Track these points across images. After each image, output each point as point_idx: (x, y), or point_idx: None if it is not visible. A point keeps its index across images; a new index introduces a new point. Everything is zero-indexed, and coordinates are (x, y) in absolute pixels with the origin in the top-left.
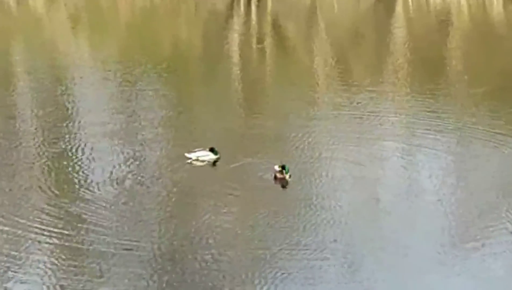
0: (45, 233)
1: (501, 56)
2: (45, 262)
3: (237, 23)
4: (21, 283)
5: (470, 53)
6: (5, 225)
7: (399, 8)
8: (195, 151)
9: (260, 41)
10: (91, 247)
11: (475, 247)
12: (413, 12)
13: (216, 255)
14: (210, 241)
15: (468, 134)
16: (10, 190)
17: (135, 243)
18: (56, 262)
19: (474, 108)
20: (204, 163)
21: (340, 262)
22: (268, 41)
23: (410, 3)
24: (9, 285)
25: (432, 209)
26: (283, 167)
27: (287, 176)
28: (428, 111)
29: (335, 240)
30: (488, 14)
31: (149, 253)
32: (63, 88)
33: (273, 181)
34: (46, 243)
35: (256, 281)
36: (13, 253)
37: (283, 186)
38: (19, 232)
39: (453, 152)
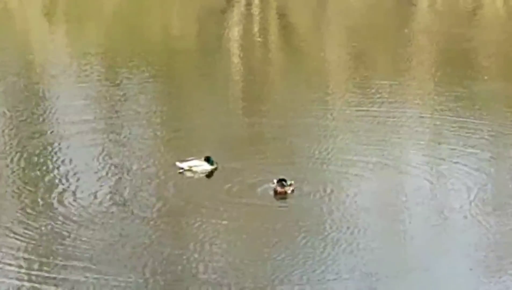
0: (22, 246)
1: None
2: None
3: (237, 15)
4: None
5: (498, 57)
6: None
7: (417, 4)
8: (187, 160)
9: (262, 35)
10: (75, 258)
11: (507, 272)
12: (433, 10)
13: (219, 270)
14: (208, 253)
15: (501, 143)
16: None
17: (119, 255)
18: (38, 273)
19: (507, 113)
20: (197, 174)
21: (352, 284)
22: (271, 35)
23: (421, 9)
24: None
25: (459, 228)
26: (283, 181)
27: (288, 190)
28: (455, 116)
29: (350, 269)
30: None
31: (134, 265)
32: (41, 89)
33: (272, 195)
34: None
35: None
36: None
37: (285, 199)
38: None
39: (483, 164)
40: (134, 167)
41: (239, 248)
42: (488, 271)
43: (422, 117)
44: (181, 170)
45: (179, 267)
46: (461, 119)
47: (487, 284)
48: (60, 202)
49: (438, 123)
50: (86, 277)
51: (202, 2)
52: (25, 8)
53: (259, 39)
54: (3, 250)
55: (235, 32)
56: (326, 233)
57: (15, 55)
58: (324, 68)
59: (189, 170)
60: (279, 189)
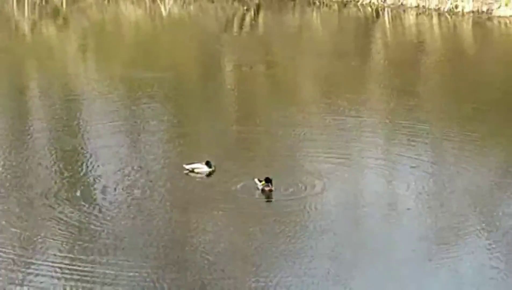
0: (49, 238)
1: (470, 75)
2: (49, 265)
3: (231, 44)
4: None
5: (443, 70)
6: (15, 228)
7: (377, 31)
8: (191, 163)
9: (251, 61)
10: (94, 250)
11: (446, 249)
12: (390, 36)
13: (207, 255)
14: (199, 243)
15: (444, 148)
16: (21, 198)
17: (136, 242)
18: (59, 265)
19: (449, 121)
20: (199, 174)
21: (325, 265)
22: (259, 62)
23: (388, 27)
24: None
25: (406, 218)
26: (267, 180)
27: (267, 188)
28: (406, 125)
29: (321, 246)
30: (458, 33)
31: (147, 252)
32: (73, 106)
33: (260, 193)
34: (50, 247)
35: (246, 282)
36: (20, 257)
37: (269, 197)
38: (28, 235)
39: (430, 163)
40: (149, 168)
41: (232, 234)
42: (428, 253)
43: (379, 125)
44: (186, 171)
45: (185, 251)
46: (411, 127)
47: (427, 264)
48: (86, 197)
49: (392, 130)
50: (106, 262)
51: (202, 34)
52: (64, 42)
53: (247, 62)
54: (37, 239)
55: (228, 56)
56: (301, 221)
57: (55, 79)
58: (299, 87)
59: (193, 171)
60: (266, 187)
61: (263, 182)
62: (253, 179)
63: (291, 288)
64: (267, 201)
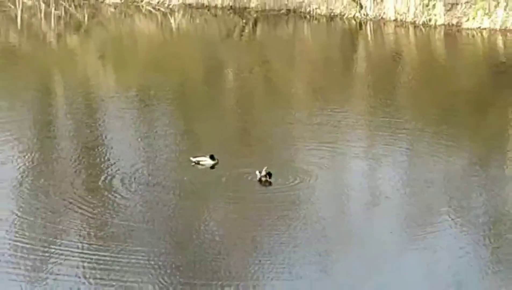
0: (73, 222)
1: (442, 80)
2: (69, 249)
3: (232, 52)
4: (54, 266)
5: (418, 75)
6: (43, 211)
7: (360, 41)
8: (197, 157)
9: (250, 66)
10: (110, 234)
11: (421, 232)
12: (372, 45)
13: (212, 238)
14: (205, 227)
15: (420, 142)
16: (48, 187)
17: (148, 226)
18: (78, 248)
19: (424, 120)
20: (204, 166)
21: (312, 247)
22: (257, 67)
23: (369, 38)
24: (43, 273)
25: (388, 202)
26: (268, 173)
27: (264, 178)
28: (387, 123)
29: (310, 229)
30: (431, 43)
31: (158, 235)
32: (93, 105)
33: (258, 183)
34: (71, 233)
35: (246, 264)
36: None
37: (266, 186)
38: (53, 219)
39: (407, 156)
40: (160, 161)
41: (232, 219)
42: (405, 236)
43: (362, 122)
44: (193, 163)
45: (190, 234)
46: (390, 124)
47: (404, 245)
48: (105, 186)
49: (373, 127)
50: (121, 244)
51: (206, 43)
52: (85, 51)
53: (246, 67)
54: (65, 222)
55: (230, 62)
56: (294, 207)
57: (77, 83)
58: (292, 89)
59: (198, 163)
60: (263, 178)
61: (263, 173)
62: (255, 171)
63: (283, 266)
64: (265, 190)
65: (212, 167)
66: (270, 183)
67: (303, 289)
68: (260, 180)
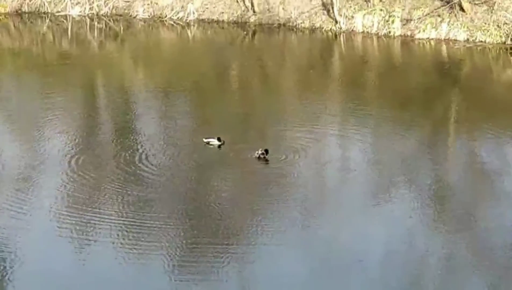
0: (109, 191)
1: (399, 79)
2: (102, 215)
3: (235, 56)
4: (92, 234)
5: (381, 75)
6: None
7: (335, 49)
8: (208, 138)
9: (250, 67)
10: (136, 203)
11: (384, 200)
12: (344, 52)
13: (216, 204)
14: (211, 195)
15: (383, 126)
16: (90, 163)
17: (168, 193)
18: (110, 215)
19: (386, 110)
20: (213, 146)
21: (297, 208)
22: (255, 68)
23: (342, 46)
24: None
25: (356, 174)
26: (265, 151)
27: (261, 156)
28: (356, 112)
29: (297, 196)
30: (390, 50)
31: (175, 200)
32: (127, 99)
33: (256, 160)
34: (109, 198)
35: (243, 225)
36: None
37: (265, 161)
38: (96, 189)
39: (373, 138)
40: (179, 141)
41: (235, 188)
42: (370, 203)
43: (337, 112)
44: (204, 143)
45: (201, 201)
46: (359, 113)
47: (369, 210)
48: (134, 161)
49: (346, 115)
50: (146, 211)
51: (216, 49)
52: (121, 56)
53: (247, 68)
54: (103, 192)
55: (234, 64)
56: (285, 179)
57: (115, 81)
58: (283, 85)
59: (208, 143)
60: (261, 156)
61: (260, 151)
62: (254, 151)
63: (274, 222)
64: (263, 165)
65: (219, 147)
66: (266, 160)
67: (289, 238)
68: (258, 157)
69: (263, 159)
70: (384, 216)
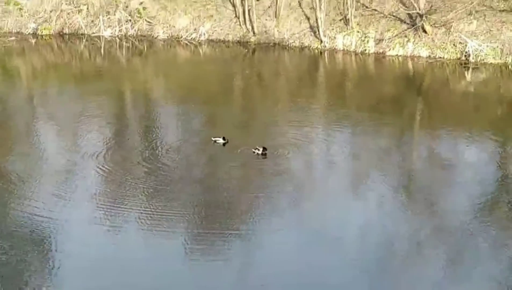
0: (133, 178)
1: (373, 88)
2: (126, 204)
3: (238, 68)
4: (120, 209)
5: (358, 86)
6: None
7: (320, 64)
8: (215, 137)
9: (251, 77)
10: (160, 189)
11: (361, 186)
12: (328, 67)
13: (222, 193)
14: (218, 185)
15: (360, 125)
16: (120, 156)
17: (181, 183)
18: (132, 203)
19: (363, 112)
20: (219, 144)
21: (291, 194)
22: (255, 77)
23: (326, 62)
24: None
25: (339, 166)
26: (264, 148)
27: (263, 151)
28: (338, 114)
29: (288, 183)
30: (366, 65)
31: (187, 190)
32: (149, 104)
33: (256, 155)
34: (133, 184)
35: (246, 210)
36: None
37: (263, 157)
38: (122, 176)
39: (351, 135)
40: (191, 140)
41: (238, 179)
42: (350, 188)
43: (323, 114)
44: (212, 141)
45: (209, 190)
46: (340, 115)
47: (349, 195)
48: (152, 156)
49: (330, 117)
50: (161, 200)
51: (222, 63)
52: (144, 69)
53: (248, 77)
54: (129, 179)
55: (237, 74)
56: (281, 171)
57: (139, 90)
58: (277, 92)
59: (216, 142)
60: (260, 152)
61: (260, 149)
62: (254, 148)
63: (272, 206)
64: (262, 160)
65: (224, 144)
66: (265, 155)
67: (284, 218)
68: (258, 154)
69: (263, 155)
70: (361, 199)
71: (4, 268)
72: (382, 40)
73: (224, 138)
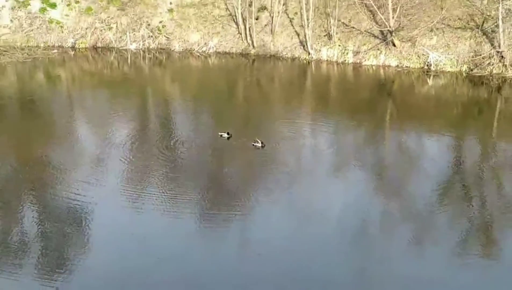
0: (153, 167)
1: (351, 92)
2: (146, 189)
3: (241, 75)
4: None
5: (339, 91)
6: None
7: (308, 72)
8: (221, 132)
9: (251, 82)
10: (175, 175)
11: (339, 171)
12: (314, 74)
13: (226, 179)
14: (222, 172)
15: (338, 126)
16: (143, 148)
17: (191, 170)
18: (156, 181)
19: (342, 114)
20: (224, 138)
21: (282, 180)
22: (255, 83)
23: (313, 70)
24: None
25: (322, 156)
26: (262, 141)
27: (261, 144)
28: (322, 115)
29: (281, 170)
30: (345, 73)
31: (196, 176)
32: (166, 104)
33: (255, 147)
34: (153, 172)
35: (247, 195)
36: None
37: (263, 149)
38: (144, 165)
39: (333, 132)
40: (201, 134)
41: (239, 167)
42: (329, 174)
43: (308, 115)
44: (219, 136)
45: (215, 177)
46: (324, 116)
47: (330, 176)
48: (169, 148)
49: (314, 117)
50: (175, 185)
51: (227, 71)
52: (163, 76)
53: (249, 82)
54: (149, 167)
55: (240, 80)
56: (275, 160)
57: (159, 93)
58: (273, 95)
59: (222, 136)
60: (260, 145)
61: (259, 142)
62: (254, 141)
63: (268, 190)
64: (259, 150)
65: (228, 138)
66: (263, 147)
67: (278, 198)
68: (257, 146)
69: (261, 147)
70: (341, 183)
71: (48, 241)
72: (359, 52)
73: (228, 133)
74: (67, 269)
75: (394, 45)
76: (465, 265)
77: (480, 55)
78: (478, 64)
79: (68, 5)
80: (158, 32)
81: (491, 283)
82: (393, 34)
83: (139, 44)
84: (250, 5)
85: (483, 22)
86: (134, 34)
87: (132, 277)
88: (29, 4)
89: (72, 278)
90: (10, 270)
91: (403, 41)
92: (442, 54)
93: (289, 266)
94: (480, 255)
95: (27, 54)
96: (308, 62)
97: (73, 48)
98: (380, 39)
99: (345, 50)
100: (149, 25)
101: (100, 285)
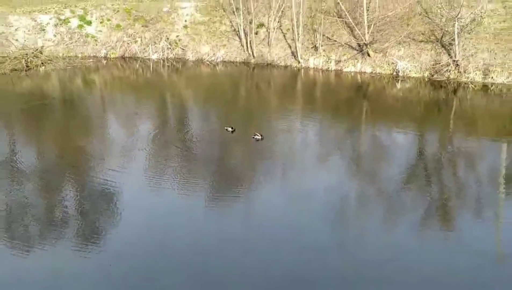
0: (169, 157)
1: (333, 94)
2: (161, 177)
3: (243, 80)
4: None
5: (325, 93)
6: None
7: (298, 79)
8: (226, 127)
9: (252, 86)
10: (186, 164)
11: (322, 161)
12: (304, 80)
13: (229, 166)
14: (227, 160)
15: (322, 123)
16: (161, 141)
17: (201, 159)
18: (171, 169)
19: (324, 112)
20: (229, 132)
21: (278, 167)
22: (255, 87)
23: (302, 77)
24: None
25: (309, 148)
26: (261, 135)
27: (262, 137)
28: (308, 113)
29: (277, 159)
30: (329, 78)
31: (204, 164)
32: (181, 105)
33: (255, 139)
34: (169, 161)
35: (250, 177)
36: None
37: (261, 140)
38: (160, 156)
39: (317, 128)
40: (209, 129)
41: (242, 156)
42: (315, 161)
43: (297, 113)
44: (225, 130)
45: (219, 165)
46: (309, 114)
47: (314, 165)
48: (182, 140)
49: (302, 115)
50: (185, 172)
51: (232, 77)
52: (179, 82)
53: (250, 86)
54: (166, 157)
55: (242, 84)
56: (272, 150)
57: (175, 96)
58: (268, 96)
59: (227, 130)
60: (259, 137)
61: (258, 135)
62: (254, 134)
63: (266, 177)
64: (259, 143)
65: (232, 132)
66: (262, 139)
67: (274, 183)
68: (257, 139)
69: (261, 139)
70: (325, 170)
71: (84, 218)
72: (340, 61)
73: (232, 128)
74: (100, 240)
75: (369, 55)
76: (426, 235)
77: (440, 63)
78: (438, 71)
79: (101, 22)
80: (175, 44)
81: (448, 249)
82: (368, 46)
83: (160, 55)
84: (250, 23)
85: (442, 37)
86: (155, 46)
87: (154, 245)
88: (69, 22)
89: (106, 247)
90: (52, 242)
91: (376, 52)
92: (408, 62)
93: (283, 234)
94: (439, 228)
95: (68, 62)
96: (298, 70)
97: (105, 58)
98: (357, 50)
99: (328, 59)
100: (167, 38)
101: (129, 251)
